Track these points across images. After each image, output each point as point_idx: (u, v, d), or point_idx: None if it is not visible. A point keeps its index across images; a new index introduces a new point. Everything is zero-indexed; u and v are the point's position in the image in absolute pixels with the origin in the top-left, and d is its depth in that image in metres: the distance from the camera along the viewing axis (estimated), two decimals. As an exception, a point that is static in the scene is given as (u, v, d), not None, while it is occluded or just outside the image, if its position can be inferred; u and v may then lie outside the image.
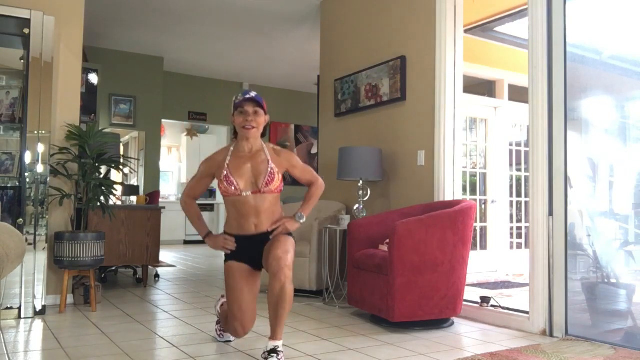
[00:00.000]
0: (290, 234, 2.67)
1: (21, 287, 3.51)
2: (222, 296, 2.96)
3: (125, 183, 6.93)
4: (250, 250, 2.61)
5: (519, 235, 6.31)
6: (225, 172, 2.56)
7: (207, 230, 2.76)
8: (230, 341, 2.90)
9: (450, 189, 3.95)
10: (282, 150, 2.71)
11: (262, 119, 2.62)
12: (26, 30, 3.64)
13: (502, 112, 6.15)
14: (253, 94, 2.61)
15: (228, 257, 2.67)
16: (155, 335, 3.10)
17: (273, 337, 2.43)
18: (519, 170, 6.31)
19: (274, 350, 2.39)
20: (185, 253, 8.35)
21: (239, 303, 2.58)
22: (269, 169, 2.57)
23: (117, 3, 5.87)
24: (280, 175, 2.63)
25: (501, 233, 6.04)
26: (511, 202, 6.22)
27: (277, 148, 2.71)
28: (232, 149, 2.65)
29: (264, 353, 2.42)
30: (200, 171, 2.71)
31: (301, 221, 2.68)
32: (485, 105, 6.07)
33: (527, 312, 3.29)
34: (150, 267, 5.36)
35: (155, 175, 8.17)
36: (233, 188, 2.54)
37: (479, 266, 5.63)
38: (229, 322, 2.65)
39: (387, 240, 3.35)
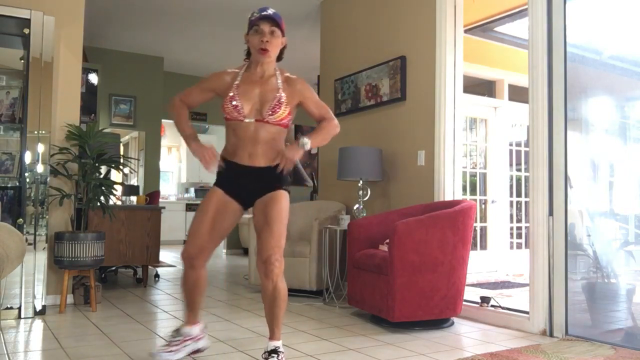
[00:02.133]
0: (285, 188, 2.47)
1: (21, 287, 3.51)
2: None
3: (125, 183, 6.93)
4: (239, 182, 2.44)
5: (519, 235, 6.31)
6: (232, 93, 2.38)
7: (194, 133, 2.50)
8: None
9: (450, 189, 3.95)
10: (297, 79, 2.49)
11: (279, 41, 2.40)
12: (26, 30, 3.64)
13: (502, 112, 6.15)
14: (271, 11, 2.38)
15: (216, 183, 2.49)
16: (155, 335, 3.09)
17: (272, 337, 2.42)
18: (519, 170, 6.31)
19: (275, 351, 2.38)
20: (185, 253, 8.34)
21: (197, 226, 2.41)
22: (277, 97, 2.38)
23: (117, 3, 5.87)
24: (289, 107, 2.43)
25: (501, 233, 6.04)
26: (511, 202, 6.22)
27: (291, 77, 2.49)
28: (243, 70, 2.46)
29: (264, 353, 2.40)
30: (207, 81, 2.51)
31: (306, 147, 2.39)
32: (485, 105, 6.07)
33: (527, 312, 3.29)
34: (150, 267, 5.36)
35: (155, 175, 8.17)
36: (237, 112, 2.37)
37: (479, 266, 5.63)
38: (183, 249, 2.46)
39: (387, 240, 3.34)
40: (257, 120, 2.38)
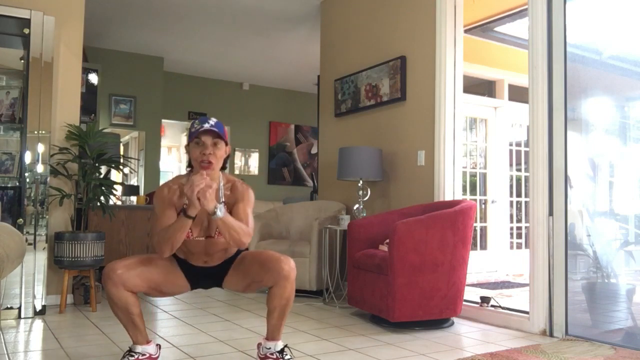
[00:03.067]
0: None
1: (21, 287, 3.51)
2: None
3: (125, 183, 6.93)
4: (195, 276, 2.42)
5: (519, 235, 6.31)
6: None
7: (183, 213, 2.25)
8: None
9: (450, 189, 3.95)
10: (240, 186, 2.38)
11: (222, 152, 2.30)
12: (26, 30, 3.64)
13: (502, 112, 6.15)
14: (212, 121, 2.27)
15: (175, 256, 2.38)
16: (155, 335, 3.09)
17: (277, 338, 2.40)
18: (519, 170, 6.31)
19: (283, 350, 2.38)
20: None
21: (139, 264, 2.29)
22: None
23: (117, 3, 5.87)
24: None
25: (501, 233, 6.04)
26: (511, 202, 6.22)
27: (236, 183, 2.39)
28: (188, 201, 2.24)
29: (273, 353, 2.37)
30: (161, 210, 2.30)
31: (217, 214, 2.15)
32: (485, 105, 6.07)
33: (527, 312, 3.29)
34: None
35: (155, 175, 8.16)
36: (185, 235, 2.24)
37: (479, 266, 5.63)
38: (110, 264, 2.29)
39: (387, 240, 3.34)
40: (207, 238, 2.32)
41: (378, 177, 4.29)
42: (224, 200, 2.34)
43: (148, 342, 2.39)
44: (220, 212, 2.15)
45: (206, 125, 2.25)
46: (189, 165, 2.36)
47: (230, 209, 2.32)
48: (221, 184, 2.35)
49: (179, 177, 2.40)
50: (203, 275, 2.43)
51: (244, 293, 2.56)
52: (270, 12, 6.01)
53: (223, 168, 2.38)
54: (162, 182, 9.33)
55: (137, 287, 2.29)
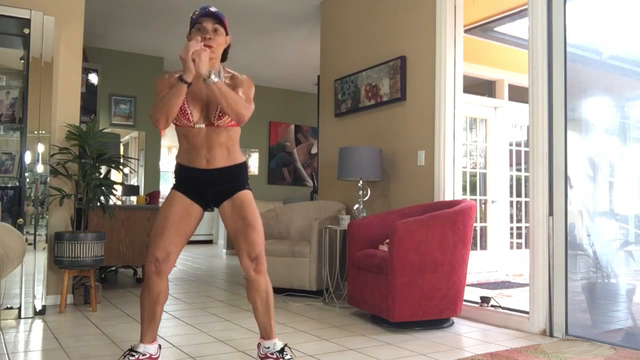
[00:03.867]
0: (248, 187, 2.43)
1: (21, 287, 3.51)
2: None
3: (125, 183, 6.93)
4: (200, 186, 2.37)
5: (519, 235, 6.31)
6: None
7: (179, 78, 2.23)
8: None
9: (450, 189, 3.95)
10: (242, 76, 2.37)
11: (222, 39, 2.30)
12: (26, 30, 3.64)
13: (502, 112, 6.15)
14: (213, 8, 2.29)
15: (176, 187, 2.41)
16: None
17: (272, 335, 2.41)
18: (519, 170, 6.31)
19: (283, 349, 2.38)
20: (185, 253, 8.35)
21: (161, 231, 2.31)
22: None
23: (117, 3, 5.87)
24: None
25: (501, 233, 6.04)
26: (511, 202, 6.22)
27: (236, 74, 2.38)
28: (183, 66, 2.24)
29: (273, 353, 2.38)
30: (160, 89, 2.29)
31: (211, 79, 2.14)
32: (485, 105, 6.07)
33: (527, 312, 3.29)
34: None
35: (155, 175, 8.17)
36: (185, 119, 2.27)
37: (479, 266, 5.63)
38: (146, 257, 2.38)
39: (387, 240, 3.35)
40: (208, 125, 2.31)
41: (378, 177, 4.29)
42: None
43: (153, 341, 2.38)
44: (215, 76, 2.15)
45: (206, 10, 2.26)
46: None
47: None
48: (221, 71, 2.33)
49: (178, 69, 2.34)
50: (208, 188, 2.37)
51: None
52: (270, 12, 6.02)
53: (224, 59, 2.38)
54: (162, 182, 9.36)
55: (176, 254, 2.36)
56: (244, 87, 2.34)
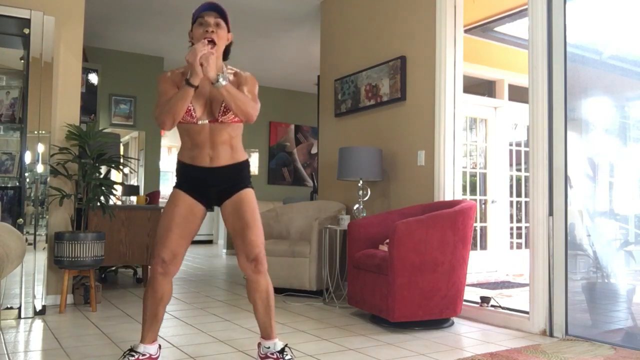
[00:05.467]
0: (250, 185, 2.41)
1: (21, 287, 3.51)
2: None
3: (125, 183, 6.92)
4: (204, 185, 2.37)
5: (519, 235, 6.31)
6: None
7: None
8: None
9: (450, 189, 3.95)
10: (246, 74, 2.37)
11: (225, 33, 2.28)
12: (26, 30, 3.64)
13: (502, 112, 6.15)
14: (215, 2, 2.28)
15: (178, 185, 2.40)
16: (155, 335, 3.09)
17: (272, 336, 2.41)
18: (519, 170, 6.31)
19: (284, 350, 2.38)
20: (185, 253, 8.34)
21: (166, 232, 2.30)
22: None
23: (117, 3, 5.87)
24: None
25: (501, 233, 6.04)
26: (511, 202, 6.22)
27: (238, 71, 2.38)
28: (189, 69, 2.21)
29: (273, 353, 2.38)
30: (164, 88, 2.27)
31: (220, 82, 2.15)
32: (485, 105, 6.07)
33: (527, 312, 3.29)
34: (150, 267, 5.36)
35: (155, 175, 8.17)
36: (189, 115, 2.24)
37: (479, 266, 5.63)
38: (152, 258, 2.36)
39: (387, 240, 3.35)
40: (211, 121, 2.29)
41: (378, 177, 4.29)
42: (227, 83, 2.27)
43: (154, 341, 2.38)
44: (224, 79, 2.15)
45: (208, 3, 2.26)
46: None
47: None
48: (225, 70, 2.32)
49: (184, 67, 2.32)
50: (211, 186, 2.36)
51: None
52: (270, 12, 6.01)
53: (225, 57, 2.38)
54: (162, 182, 9.37)
55: (182, 255, 2.36)
56: (249, 85, 2.34)
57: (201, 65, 2.11)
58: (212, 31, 2.23)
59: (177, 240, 2.31)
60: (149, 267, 2.41)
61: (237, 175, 2.40)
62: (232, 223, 2.38)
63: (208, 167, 2.35)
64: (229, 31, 2.33)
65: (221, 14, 2.28)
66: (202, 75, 2.14)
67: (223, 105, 2.26)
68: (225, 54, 2.39)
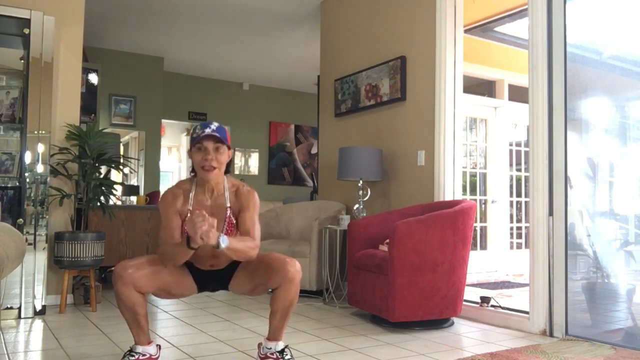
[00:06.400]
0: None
1: (21, 287, 3.51)
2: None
3: (125, 183, 6.93)
4: (201, 279, 2.41)
5: (519, 235, 6.31)
6: (188, 217, 2.19)
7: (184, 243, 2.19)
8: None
9: (450, 189, 3.95)
10: (247, 191, 2.37)
11: (225, 157, 2.30)
12: (26, 30, 3.64)
13: (502, 112, 6.15)
14: (214, 126, 2.26)
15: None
16: (155, 335, 3.09)
17: (279, 337, 2.40)
18: (519, 170, 6.31)
19: (284, 350, 2.38)
20: (185, 253, 8.34)
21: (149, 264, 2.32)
22: (227, 217, 2.31)
23: (117, 3, 5.87)
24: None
25: (501, 233, 6.04)
26: (511, 202, 6.22)
27: (242, 189, 2.37)
28: (193, 190, 2.33)
29: (273, 353, 2.38)
30: (167, 212, 2.30)
31: (222, 245, 2.10)
32: (485, 105, 6.07)
33: (527, 312, 3.29)
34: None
35: (155, 175, 8.17)
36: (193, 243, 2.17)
37: (479, 266, 5.63)
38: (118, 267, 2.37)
39: (387, 240, 3.35)
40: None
41: (378, 177, 4.29)
42: (229, 205, 2.33)
43: (149, 342, 2.38)
44: (224, 243, 2.11)
45: (207, 130, 2.24)
46: (193, 170, 2.35)
47: (236, 216, 2.34)
48: (227, 190, 2.35)
49: (182, 182, 2.42)
50: (210, 278, 2.43)
51: (251, 296, 2.54)
52: (270, 12, 6.01)
53: (227, 172, 2.38)
54: (162, 182, 9.37)
55: (146, 288, 2.31)
56: (250, 210, 2.34)
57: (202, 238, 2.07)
58: (212, 158, 2.24)
59: (150, 278, 2.30)
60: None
61: (233, 266, 2.41)
62: (251, 277, 2.38)
63: (209, 270, 2.40)
64: (229, 148, 2.32)
65: (220, 138, 2.25)
66: (201, 244, 2.09)
67: (224, 228, 2.30)
68: (227, 169, 2.37)
